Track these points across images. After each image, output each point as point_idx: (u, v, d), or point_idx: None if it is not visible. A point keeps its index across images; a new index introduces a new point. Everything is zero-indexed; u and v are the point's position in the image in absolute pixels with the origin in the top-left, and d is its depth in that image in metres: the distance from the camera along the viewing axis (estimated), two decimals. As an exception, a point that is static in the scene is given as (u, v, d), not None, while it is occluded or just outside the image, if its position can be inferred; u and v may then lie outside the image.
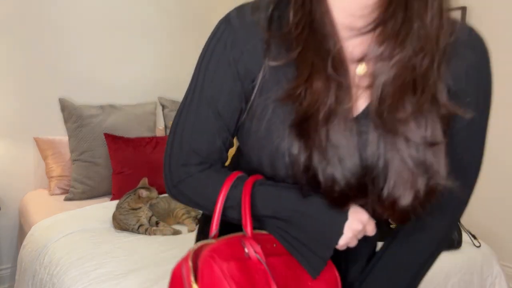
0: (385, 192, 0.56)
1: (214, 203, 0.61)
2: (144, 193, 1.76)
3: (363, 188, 0.57)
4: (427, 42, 0.52)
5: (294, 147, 0.56)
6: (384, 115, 0.54)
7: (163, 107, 2.72)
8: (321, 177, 0.55)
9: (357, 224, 0.57)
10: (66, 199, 2.18)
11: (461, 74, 0.57)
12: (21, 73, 2.28)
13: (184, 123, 0.63)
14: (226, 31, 0.59)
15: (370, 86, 0.56)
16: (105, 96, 2.57)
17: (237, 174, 0.63)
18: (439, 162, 0.55)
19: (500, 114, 2.40)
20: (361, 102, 0.58)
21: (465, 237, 1.71)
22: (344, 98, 0.55)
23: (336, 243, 0.57)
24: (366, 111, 0.58)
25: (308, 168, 0.56)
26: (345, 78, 0.55)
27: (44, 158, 2.33)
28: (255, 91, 0.59)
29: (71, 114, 2.28)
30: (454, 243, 1.58)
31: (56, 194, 2.27)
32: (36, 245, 1.64)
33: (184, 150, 0.63)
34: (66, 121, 2.31)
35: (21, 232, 2.15)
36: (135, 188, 1.82)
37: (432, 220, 0.63)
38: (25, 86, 2.30)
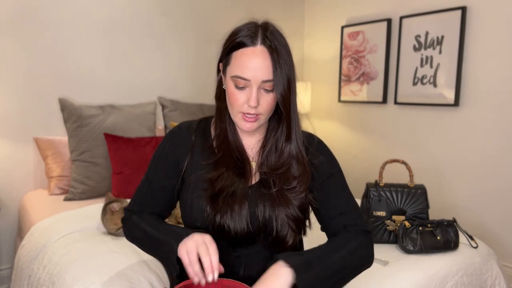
0: (274, 234, 0.94)
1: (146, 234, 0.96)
2: (116, 206, 1.65)
3: (253, 234, 0.95)
4: (287, 153, 0.98)
5: (208, 208, 0.94)
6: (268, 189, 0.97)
7: (163, 107, 2.72)
8: (224, 227, 0.93)
9: (185, 246, 0.85)
10: (66, 199, 2.19)
11: (317, 163, 1.02)
12: (21, 73, 2.28)
13: (139, 190, 1.06)
14: (168, 137, 1.04)
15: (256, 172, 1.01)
16: (105, 96, 2.58)
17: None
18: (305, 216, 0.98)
19: (500, 114, 2.40)
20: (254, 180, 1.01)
21: (462, 238, 1.70)
22: (244, 182, 0.96)
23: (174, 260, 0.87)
24: (255, 186, 0.99)
25: (215, 221, 0.93)
26: (245, 173, 0.98)
27: (44, 158, 2.34)
28: (183, 171, 1.00)
29: (71, 114, 2.29)
30: (451, 244, 1.57)
31: (56, 194, 2.27)
32: (36, 245, 1.64)
33: (134, 204, 1.06)
34: (66, 121, 2.31)
35: (21, 232, 2.15)
36: (105, 205, 1.71)
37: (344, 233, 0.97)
38: (25, 86, 2.30)
